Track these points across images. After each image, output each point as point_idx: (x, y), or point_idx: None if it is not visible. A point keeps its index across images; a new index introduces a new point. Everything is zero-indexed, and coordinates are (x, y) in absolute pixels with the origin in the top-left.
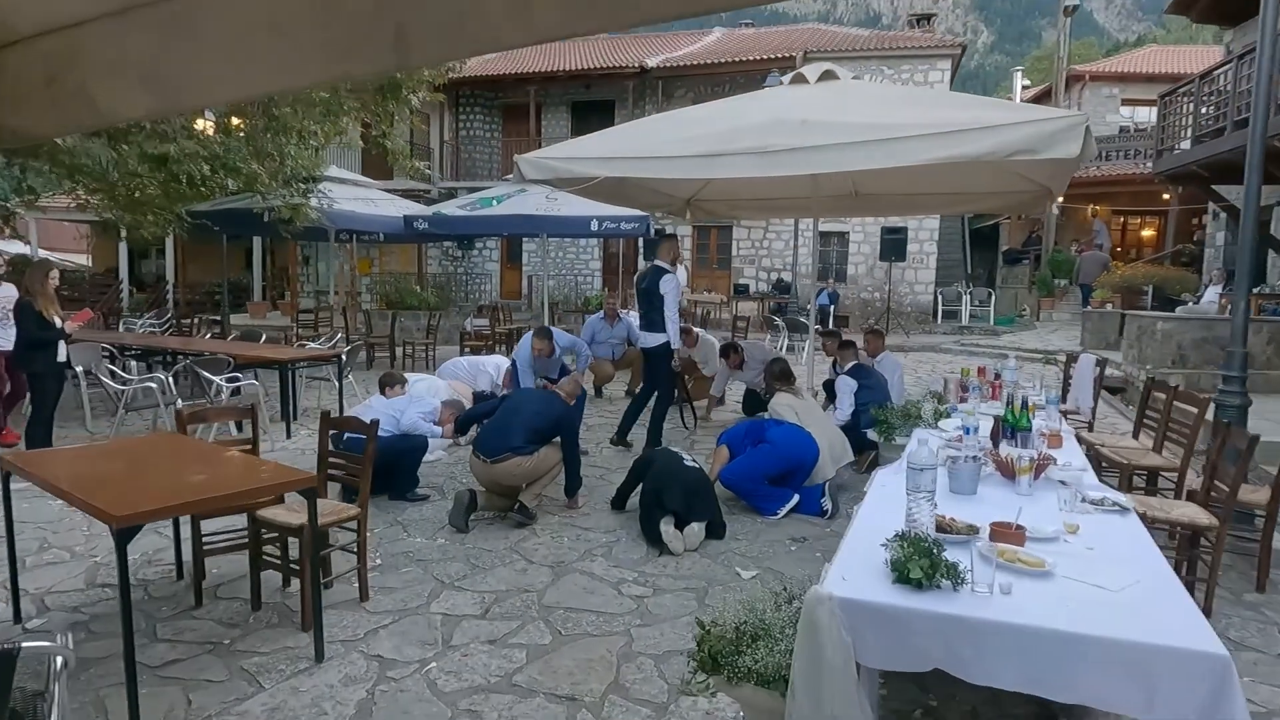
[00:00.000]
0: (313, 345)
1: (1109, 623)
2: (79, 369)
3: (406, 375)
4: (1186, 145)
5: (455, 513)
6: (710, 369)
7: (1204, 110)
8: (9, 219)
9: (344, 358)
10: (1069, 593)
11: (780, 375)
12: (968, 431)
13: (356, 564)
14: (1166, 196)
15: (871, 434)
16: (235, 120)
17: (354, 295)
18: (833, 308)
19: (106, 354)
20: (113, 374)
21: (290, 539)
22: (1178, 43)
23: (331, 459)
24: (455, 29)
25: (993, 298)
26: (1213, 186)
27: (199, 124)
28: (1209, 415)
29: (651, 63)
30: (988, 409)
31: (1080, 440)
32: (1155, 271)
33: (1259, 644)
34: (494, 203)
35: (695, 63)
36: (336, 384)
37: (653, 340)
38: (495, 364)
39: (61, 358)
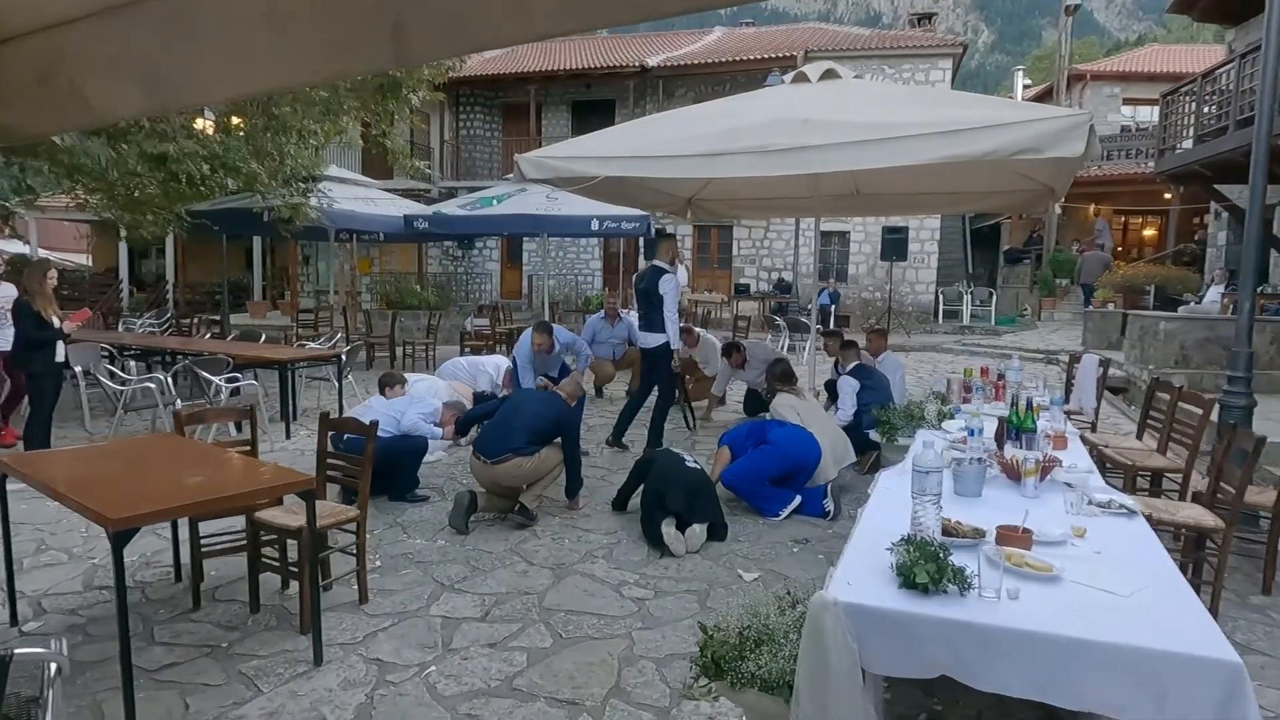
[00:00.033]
0: (312, 345)
1: (1119, 629)
2: (78, 369)
3: (406, 375)
4: (1188, 144)
5: (455, 514)
6: (712, 369)
7: (1206, 109)
8: (8, 218)
9: (344, 358)
10: (1078, 598)
11: (782, 376)
12: (972, 433)
13: (356, 566)
14: (1168, 196)
15: (874, 434)
16: (235, 120)
17: (354, 295)
18: (833, 307)
19: (105, 354)
20: (111, 374)
21: (289, 541)
22: (1178, 42)
23: (331, 460)
24: (454, 26)
25: (994, 297)
26: (1215, 186)
27: (198, 123)
28: (1213, 416)
29: (652, 62)
30: (991, 410)
31: (1084, 441)
32: (1157, 271)
33: (1266, 647)
34: (494, 202)
35: (696, 62)
36: (336, 384)
37: (652, 341)
38: (495, 364)
39: (59, 358)
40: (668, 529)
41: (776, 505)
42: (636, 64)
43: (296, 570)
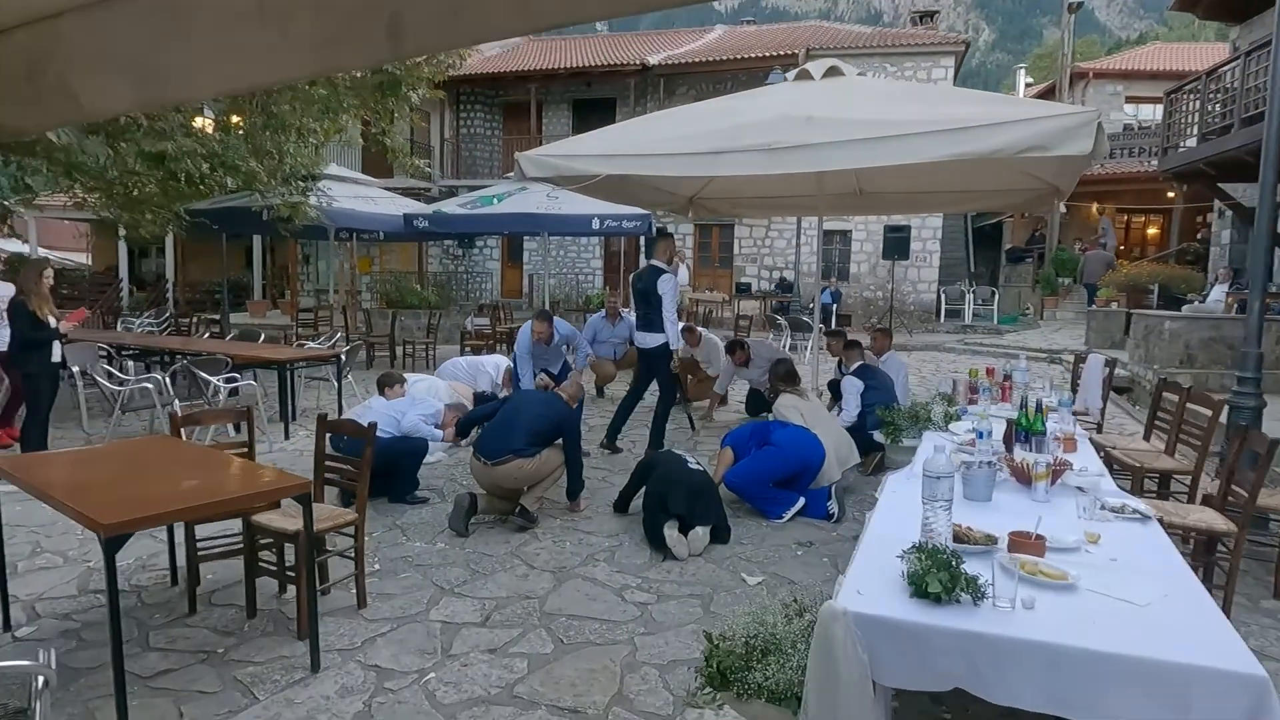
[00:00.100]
0: (312, 345)
1: (1138, 640)
2: (75, 369)
3: (406, 375)
4: (1192, 143)
5: (455, 516)
6: (714, 369)
7: (1210, 108)
8: (6, 217)
9: (343, 358)
10: (1094, 607)
11: (785, 376)
12: (981, 435)
13: (354, 570)
14: (1171, 194)
15: (878, 435)
16: (235, 118)
17: (354, 294)
18: (835, 306)
19: (103, 354)
20: (109, 374)
21: (286, 544)
22: (1180, 40)
23: (329, 462)
24: (451, 18)
25: (996, 296)
26: (1219, 184)
27: (198, 121)
28: (1221, 418)
29: (653, 60)
30: (998, 411)
31: (1091, 443)
32: (1161, 270)
33: (1279, 653)
34: (495, 201)
35: (697, 60)
36: (336, 384)
37: (651, 341)
38: (495, 364)
39: (56, 358)
40: (670, 531)
41: (780, 507)
42: (637, 62)
43: (294, 574)
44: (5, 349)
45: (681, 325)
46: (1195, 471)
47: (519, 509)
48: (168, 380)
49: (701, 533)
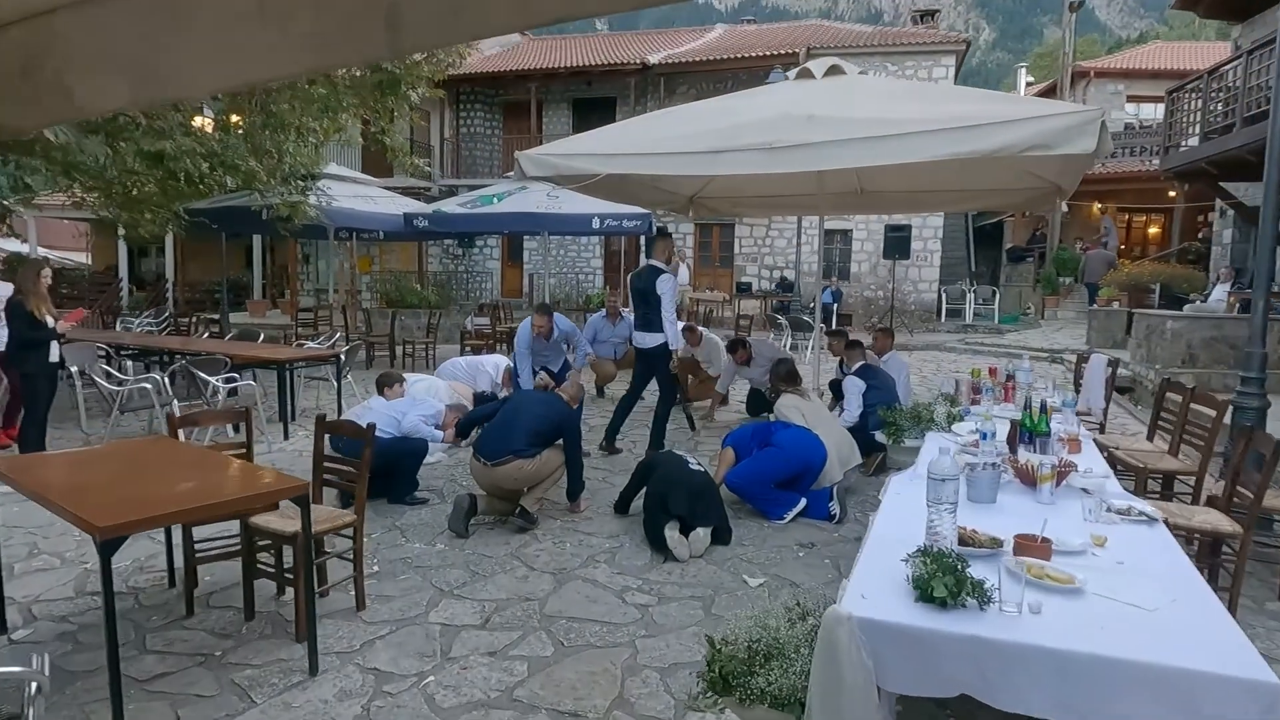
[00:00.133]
0: (311, 345)
1: (1147, 646)
2: (74, 369)
3: (405, 375)
4: (1194, 142)
5: (455, 517)
6: (715, 369)
7: (1213, 107)
8: (5, 217)
9: (342, 357)
10: (1102, 611)
11: (786, 377)
12: (985, 436)
13: (353, 572)
14: (1172, 194)
15: (879, 436)
16: (234, 117)
17: (354, 294)
18: (836, 306)
19: (102, 354)
20: (108, 374)
21: (285, 546)
22: (1180, 39)
23: (328, 463)
24: (449, 13)
25: (997, 296)
26: (1221, 184)
27: (197, 121)
28: (1225, 418)
29: (653, 59)
30: (1001, 411)
31: (1094, 443)
32: (1162, 269)
33: None
34: (495, 200)
35: (697, 59)
36: (335, 384)
37: (650, 341)
38: (494, 363)
39: (54, 358)
40: (671, 533)
41: (781, 508)
42: (638, 61)
43: (292, 576)
44: (3, 349)
45: (682, 325)
46: (1199, 472)
47: (519, 510)
48: (166, 380)
49: (702, 534)
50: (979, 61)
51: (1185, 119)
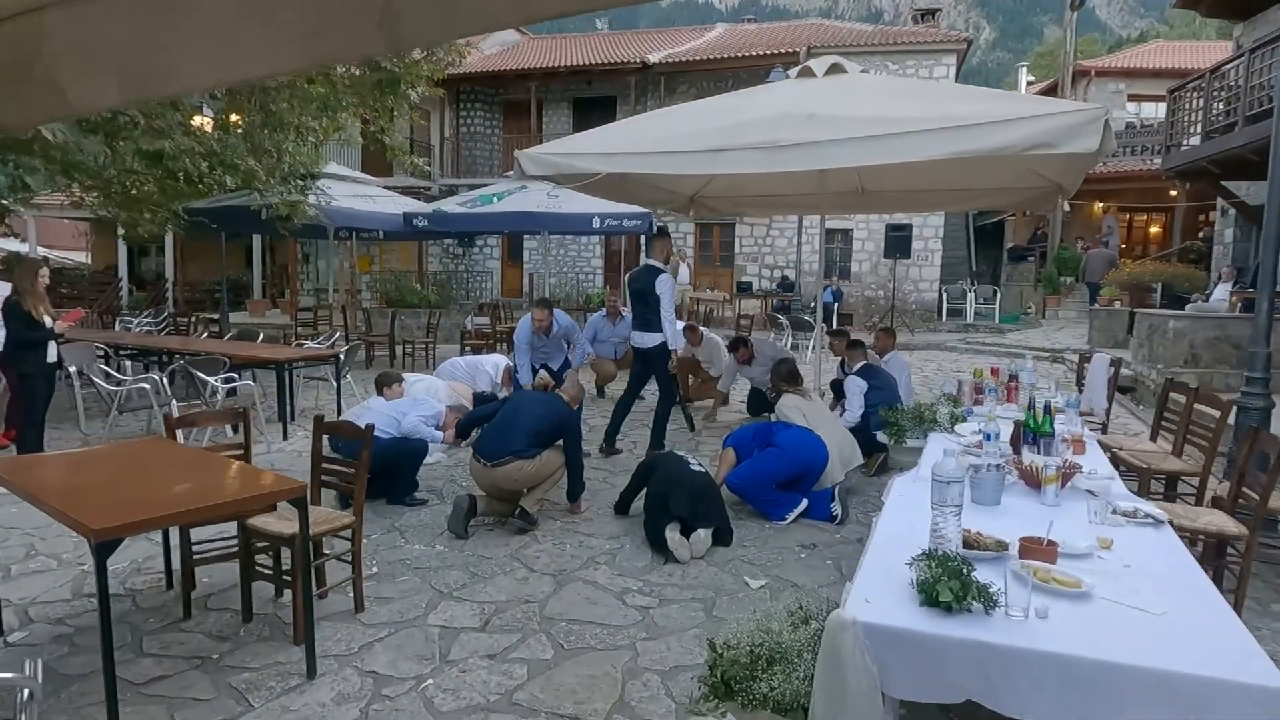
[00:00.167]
0: (311, 344)
1: (1155, 651)
2: (72, 369)
3: (404, 375)
4: (1196, 141)
5: (454, 518)
6: (716, 369)
7: (1215, 106)
8: (3, 216)
9: (342, 357)
10: (1109, 616)
11: (787, 377)
12: (988, 437)
13: (351, 574)
14: (1173, 193)
15: (881, 436)
16: (233, 117)
17: (354, 293)
18: (837, 305)
19: (101, 354)
20: (106, 374)
21: (283, 548)
22: (1181, 38)
23: (327, 464)
24: (446, 9)
25: (998, 295)
26: (1222, 183)
27: (196, 120)
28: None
29: (654, 58)
30: (1004, 412)
31: (1098, 444)
32: (1164, 269)
33: None
34: (495, 200)
35: (697, 58)
36: (335, 384)
37: (649, 340)
38: (494, 363)
39: (51, 358)
40: (672, 534)
41: (783, 509)
42: (638, 60)
43: (290, 579)
44: (1, 349)
45: (683, 324)
46: (1203, 473)
47: (519, 511)
48: (165, 381)
49: (703, 535)
50: (979, 61)
51: (1187, 118)
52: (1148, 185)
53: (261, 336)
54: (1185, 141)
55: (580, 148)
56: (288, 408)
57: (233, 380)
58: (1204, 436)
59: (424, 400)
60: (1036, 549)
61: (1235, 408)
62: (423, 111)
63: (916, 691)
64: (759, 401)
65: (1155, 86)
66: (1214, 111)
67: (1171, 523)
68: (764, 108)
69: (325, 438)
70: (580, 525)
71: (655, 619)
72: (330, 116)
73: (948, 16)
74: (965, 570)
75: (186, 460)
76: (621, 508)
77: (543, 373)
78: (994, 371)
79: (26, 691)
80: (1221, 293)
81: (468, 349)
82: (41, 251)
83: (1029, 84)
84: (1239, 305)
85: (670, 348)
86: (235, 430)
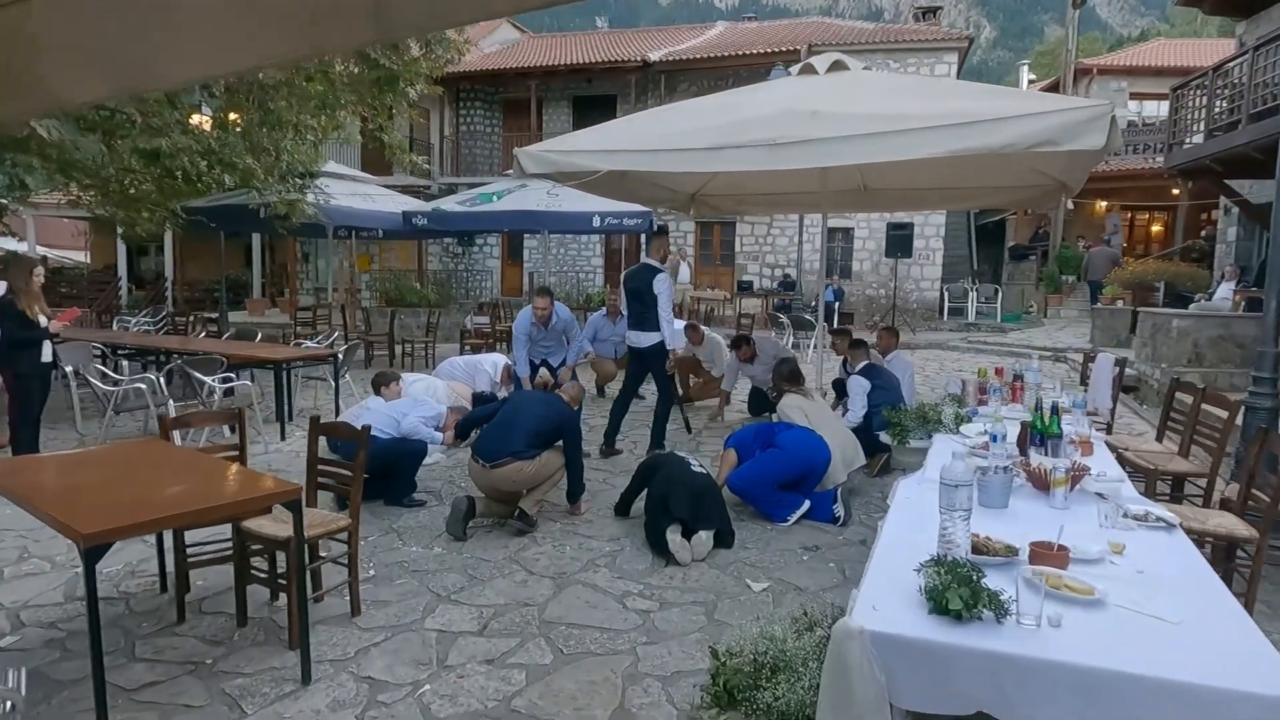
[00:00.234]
0: (309, 344)
1: (1174, 661)
2: (68, 369)
3: (402, 374)
4: (1199, 139)
5: (453, 520)
6: (717, 369)
7: (1218, 104)
8: (1, 215)
9: (340, 357)
10: (1124, 625)
11: (789, 376)
12: (995, 439)
13: (348, 577)
14: (1176, 191)
15: (884, 436)
16: (232, 115)
17: (353, 292)
18: (838, 304)
19: (98, 354)
20: (103, 374)
21: (278, 551)
22: (1181, 36)
23: (324, 465)
24: None
25: (999, 294)
26: (1225, 181)
27: (194, 119)
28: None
29: (654, 57)
30: (1009, 412)
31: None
32: (1166, 267)
33: None
34: (494, 198)
35: (698, 57)
36: (333, 384)
37: (645, 340)
38: (493, 362)
39: (46, 358)
40: (673, 536)
41: (785, 510)
42: (638, 59)
43: (285, 582)
44: None
45: (685, 323)
46: (1211, 475)
47: (518, 513)
48: (162, 380)
49: (705, 537)
50: (980, 60)
51: (1190, 116)
52: (1149, 184)
53: (260, 336)
54: (1188, 139)
55: (580, 145)
56: (285, 408)
57: (230, 380)
58: (1210, 437)
59: (424, 401)
60: (1047, 554)
61: (1243, 408)
62: (422, 110)
63: (925, 702)
64: (760, 401)
65: (1157, 85)
66: (1217, 109)
67: (1179, 525)
68: (765, 105)
69: (324, 438)
70: (580, 527)
71: (656, 623)
72: (329, 115)
73: (948, 15)
74: (975, 577)
75: (180, 462)
76: (622, 509)
77: (543, 371)
78: (998, 371)
79: (9, 703)
80: (1225, 292)
81: (467, 348)
82: (41, 251)
83: (1030, 82)
84: (1242, 304)
85: (669, 347)
86: (233, 430)
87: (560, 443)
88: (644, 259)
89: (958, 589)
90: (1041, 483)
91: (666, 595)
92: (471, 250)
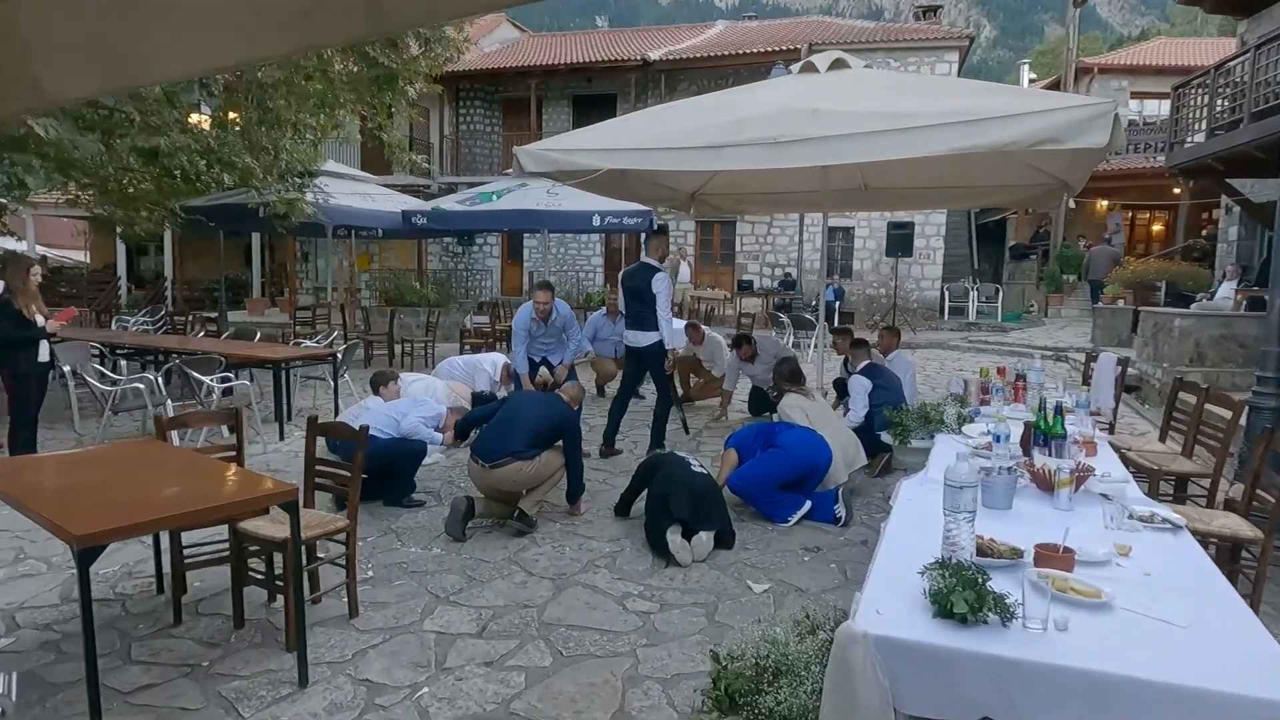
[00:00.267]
0: (309, 343)
1: (1183, 666)
2: (66, 369)
3: (401, 374)
4: (1200, 138)
5: (452, 521)
6: (718, 368)
7: (1219, 103)
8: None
9: (339, 356)
10: (1132, 629)
11: (790, 376)
12: (998, 439)
13: (346, 578)
14: (1177, 190)
15: (885, 436)
16: (231, 114)
17: (353, 292)
18: (838, 304)
19: (96, 353)
20: (101, 374)
21: (275, 552)
22: (1182, 36)
23: (322, 465)
24: None
25: (1000, 294)
26: (1227, 180)
27: (193, 118)
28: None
29: (654, 56)
30: (1011, 412)
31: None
32: (1167, 267)
33: None
34: (494, 197)
35: (698, 55)
36: (332, 384)
37: (643, 339)
38: (492, 362)
39: (43, 357)
40: (673, 537)
41: (786, 511)
42: (638, 58)
43: (282, 584)
44: None
45: (685, 323)
46: (1214, 475)
47: (517, 513)
48: (160, 380)
49: (705, 538)
50: (980, 59)
51: (1191, 115)
52: (1150, 183)
53: (259, 335)
54: (1189, 138)
55: (580, 144)
56: (284, 407)
57: (229, 380)
58: (1214, 437)
59: (424, 401)
60: (1053, 556)
61: (1247, 408)
62: (422, 109)
63: (930, 707)
64: (761, 401)
65: (1158, 84)
66: (1219, 108)
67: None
68: (766, 103)
69: (323, 438)
70: (580, 528)
71: (656, 624)
72: (328, 113)
73: (948, 14)
74: (980, 580)
75: (177, 463)
76: (622, 510)
77: (544, 370)
78: (1000, 371)
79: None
80: (1226, 291)
81: (467, 348)
82: (40, 250)
83: (1031, 81)
84: (1244, 303)
85: (668, 347)
86: (231, 430)
87: (560, 443)
88: (643, 258)
89: (963, 592)
90: (1046, 484)
91: (667, 596)
92: (471, 250)
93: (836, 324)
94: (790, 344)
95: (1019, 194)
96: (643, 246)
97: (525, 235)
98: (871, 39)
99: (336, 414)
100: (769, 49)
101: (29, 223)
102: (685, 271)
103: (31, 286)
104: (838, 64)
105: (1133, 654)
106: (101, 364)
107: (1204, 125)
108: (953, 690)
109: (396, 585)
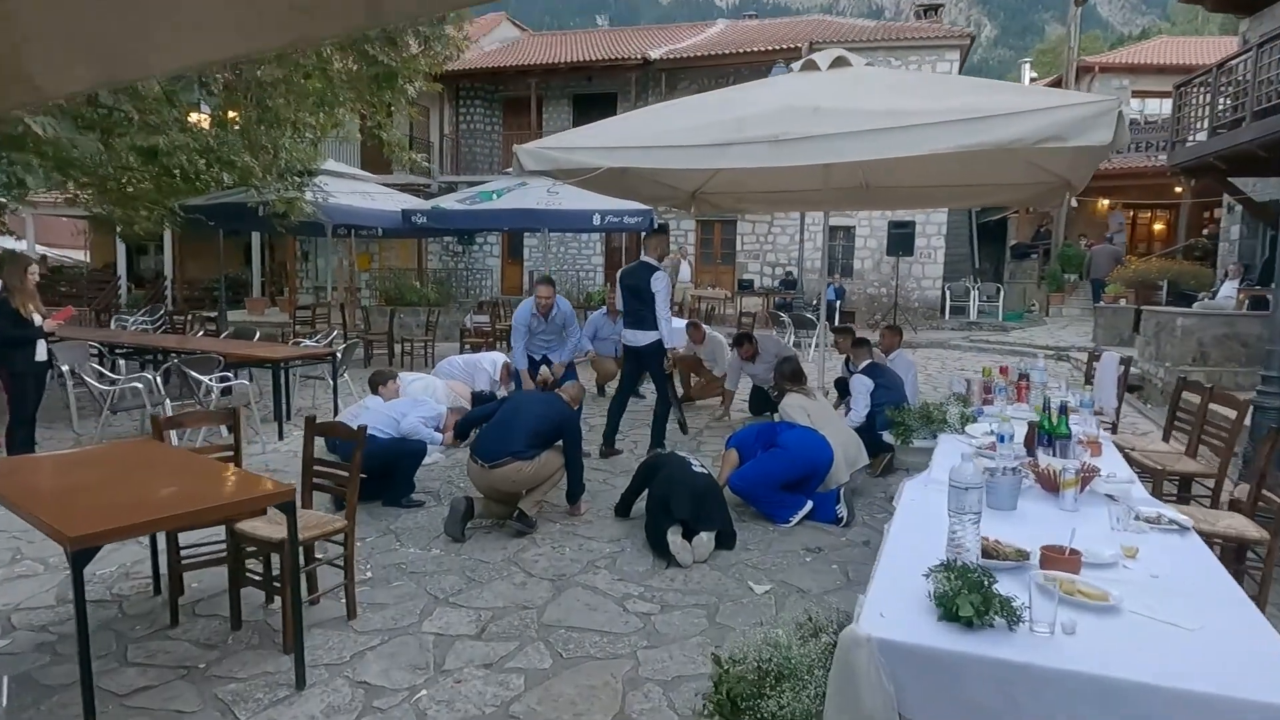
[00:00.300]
0: (308, 343)
1: (1193, 671)
2: (64, 368)
3: (400, 373)
4: (1202, 137)
5: (451, 521)
6: (719, 368)
7: (1221, 101)
8: None
9: (338, 356)
10: (1140, 632)
11: (791, 375)
12: (1002, 439)
13: (344, 579)
14: (1178, 189)
15: (887, 436)
16: (230, 113)
17: (353, 291)
18: (839, 303)
19: (94, 353)
20: (99, 374)
21: (273, 553)
22: (1183, 35)
23: (320, 465)
24: None
25: (1001, 293)
26: (1229, 179)
27: (192, 116)
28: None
29: (654, 54)
30: (1014, 412)
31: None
32: (1169, 266)
33: None
34: (494, 196)
35: (699, 54)
36: (331, 383)
37: (642, 339)
38: (492, 361)
39: (41, 356)
40: (674, 537)
41: (787, 511)
42: (639, 57)
43: (280, 585)
44: None
45: (686, 322)
46: (1219, 475)
47: (517, 513)
48: (159, 380)
49: (706, 538)
50: (980, 58)
51: (1193, 113)
52: (1152, 182)
53: (259, 335)
54: (1191, 137)
55: (580, 142)
56: (283, 407)
57: (227, 379)
58: (1218, 437)
59: (424, 401)
60: (1059, 558)
61: (1251, 407)
62: (422, 108)
63: (935, 713)
64: (762, 401)
65: (1159, 82)
66: (1221, 107)
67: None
68: (767, 101)
69: (323, 438)
70: (580, 528)
71: (657, 626)
72: (328, 112)
73: (949, 13)
74: (986, 582)
75: (173, 463)
76: (622, 510)
77: (544, 369)
78: (1003, 370)
79: None
80: (1229, 290)
81: (467, 347)
82: (40, 250)
83: (1032, 80)
84: (1246, 302)
85: (667, 346)
86: (230, 431)
87: (560, 443)
88: (642, 257)
89: (968, 595)
90: (1051, 484)
91: (667, 597)
92: (471, 249)
93: (837, 323)
94: (791, 343)
95: (1021, 193)
96: (643, 246)
97: (525, 234)
98: (872, 38)
99: (336, 414)
100: (769, 48)
101: (29, 222)
102: (686, 270)
103: (29, 285)
104: (839, 62)
105: (1141, 658)
106: (100, 363)
107: (1206, 124)
108: (959, 695)
109: (395, 586)
